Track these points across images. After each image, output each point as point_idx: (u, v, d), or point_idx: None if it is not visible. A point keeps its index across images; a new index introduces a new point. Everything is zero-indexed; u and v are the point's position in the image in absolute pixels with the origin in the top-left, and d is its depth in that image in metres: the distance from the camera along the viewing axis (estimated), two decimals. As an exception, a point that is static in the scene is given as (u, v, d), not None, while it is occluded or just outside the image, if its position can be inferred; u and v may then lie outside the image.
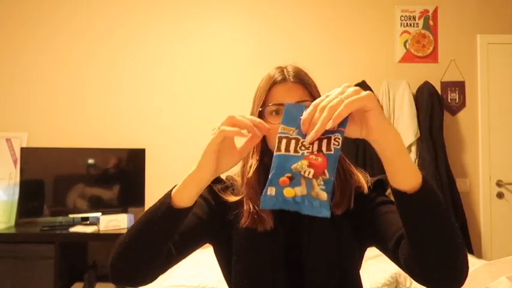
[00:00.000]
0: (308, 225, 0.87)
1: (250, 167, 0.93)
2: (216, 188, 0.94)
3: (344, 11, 3.18)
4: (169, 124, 3.09)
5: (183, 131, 3.08)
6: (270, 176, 0.60)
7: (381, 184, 0.94)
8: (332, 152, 0.58)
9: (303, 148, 0.59)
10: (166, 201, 0.72)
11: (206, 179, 0.72)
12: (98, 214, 2.72)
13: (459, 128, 3.17)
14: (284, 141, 0.60)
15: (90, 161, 2.87)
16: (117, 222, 2.64)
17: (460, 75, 3.18)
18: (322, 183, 0.57)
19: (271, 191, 0.59)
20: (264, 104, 0.91)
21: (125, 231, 2.83)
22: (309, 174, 0.57)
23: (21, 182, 2.73)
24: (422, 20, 3.20)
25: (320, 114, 0.58)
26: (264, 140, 0.93)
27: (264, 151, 0.94)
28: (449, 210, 0.70)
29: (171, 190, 0.74)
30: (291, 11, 3.17)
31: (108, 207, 2.81)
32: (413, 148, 2.96)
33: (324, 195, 0.57)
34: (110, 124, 3.06)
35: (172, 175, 3.01)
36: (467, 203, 3.08)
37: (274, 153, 0.60)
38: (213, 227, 0.91)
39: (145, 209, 2.95)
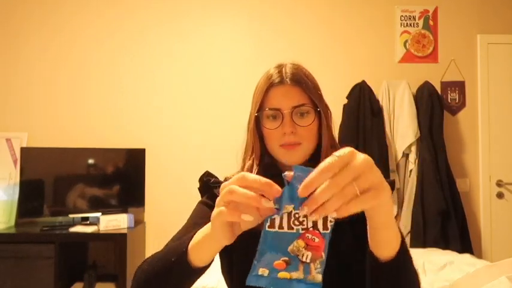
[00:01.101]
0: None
1: (249, 168, 0.91)
2: (217, 191, 0.91)
3: (344, 10, 3.18)
4: (169, 124, 3.09)
5: (183, 131, 3.08)
6: (259, 255, 0.53)
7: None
8: (328, 231, 0.53)
9: (296, 223, 0.52)
10: (183, 258, 0.67)
11: (222, 245, 0.64)
12: (98, 214, 2.72)
13: (459, 128, 3.17)
14: (278, 217, 0.53)
15: (90, 161, 2.87)
16: (117, 222, 2.64)
17: (460, 75, 3.18)
18: (318, 266, 0.53)
19: (263, 271, 0.53)
20: (260, 107, 0.90)
21: (125, 231, 2.81)
22: (306, 258, 0.53)
23: (21, 182, 2.73)
24: (422, 20, 3.20)
25: (324, 194, 0.48)
26: (262, 140, 0.93)
27: (264, 151, 0.93)
28: (415, 272, 0.68)
29: (189, 240, 0.68)
30: (291, 11, 3.17)
31: (108, 207, 2.81)
32: (413, 148, 2.96)
33: (319, 278, 0.53)
34: (110, 124, 3.06)
35: (172, 175, 3.03)
36: (467, 203, 3.08)
37: (266, 228, 0.53)
38: None
39: (145, 210, 2.90)
